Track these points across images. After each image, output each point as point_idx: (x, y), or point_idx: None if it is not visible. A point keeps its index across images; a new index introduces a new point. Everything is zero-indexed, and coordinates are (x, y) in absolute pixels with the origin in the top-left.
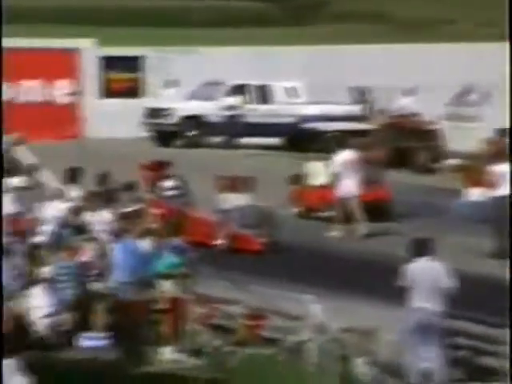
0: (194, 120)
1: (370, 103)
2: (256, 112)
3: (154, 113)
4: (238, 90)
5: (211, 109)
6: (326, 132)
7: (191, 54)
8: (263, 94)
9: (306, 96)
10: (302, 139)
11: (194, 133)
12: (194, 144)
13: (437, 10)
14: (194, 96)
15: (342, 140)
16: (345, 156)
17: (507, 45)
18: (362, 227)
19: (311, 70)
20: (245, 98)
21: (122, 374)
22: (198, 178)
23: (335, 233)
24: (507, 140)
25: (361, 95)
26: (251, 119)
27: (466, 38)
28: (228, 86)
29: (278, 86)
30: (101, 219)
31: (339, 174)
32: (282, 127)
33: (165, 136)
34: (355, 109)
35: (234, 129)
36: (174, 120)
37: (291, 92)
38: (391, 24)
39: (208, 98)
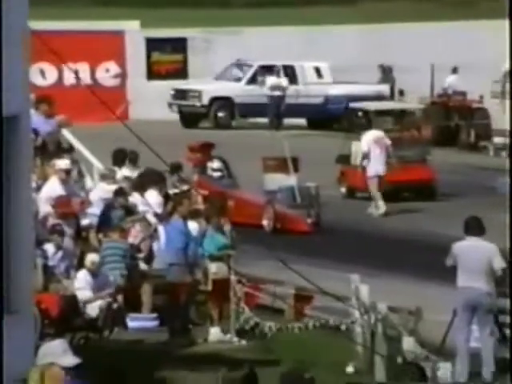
0: (222, 101)
1: (392, 82)
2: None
3: (183, 94)
4: (267, 70)
5: (240, 90)
6: (358, 110)
7: (236, 34)
8: (291, 75)
9: (332, 76)
10: (333, 119)
11: (222, 114)
12: (223, 125)
13: None
14: (221, 77)
15: (375, 119)
16: (372, 135)
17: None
18: (381, 206)
19: (360, 49)
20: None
21: (170, 354)
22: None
23: (371, 210)
24: None
25: (387, 74)
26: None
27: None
28: (256, 67)
29: (306, 67)
30: (149, 200)
31: (368, 153)
32: (311, 107)
33: (192, 117)
34: (381, 88)
35: (268, 109)
36: (203, 101)
37: (319, 72)
38: (435, 2)
39: (236, 78)
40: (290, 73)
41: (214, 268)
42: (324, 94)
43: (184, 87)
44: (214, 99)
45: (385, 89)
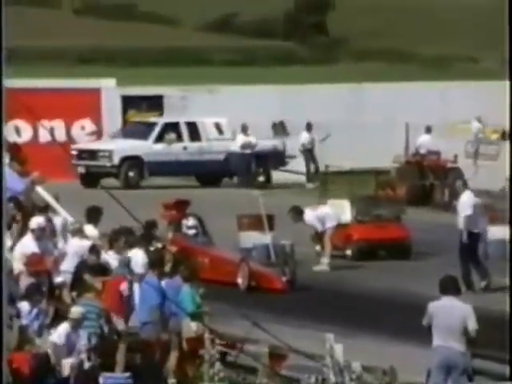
0: (132, 160)
1: (286, 137)
2: (188, 150)
3: (91, 154)
4: (171, 128)
5: (148, 148)
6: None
7: (213, 93)
8: (194, 132)
9: (231, 131)
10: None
11: (132, 173)
12: (132, 185)
13: (460, 48)
14: (122, 135)
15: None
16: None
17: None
18: (325, 262)
19: (332, 108)
20: (179, 135)
21: None
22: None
23: (318, 267)
24: None
25: (280, 130)
26: (184, 157)
27: (488, 77)
28: (162, 124)
29: (207, 123)
30: (133, 260)
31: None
32: (214, 164)
33: (93, 177)
34: (276, 143)
35: (172, 168)
36: (113, 161)
37: (219, 128)
38: (412, 62)
39: (141, 137)
40: (193, 129)
41: (194, 326)
42: (225, 150)
43: (91, 147)
44: (125, 159)
45: (279, 143)
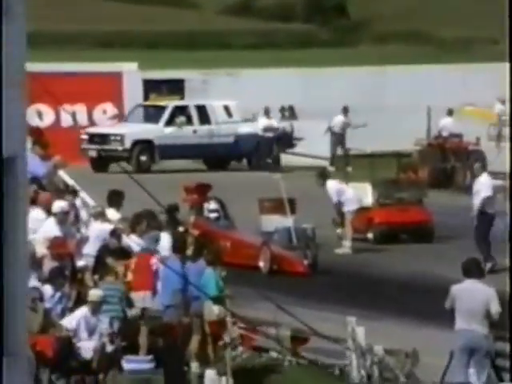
0: (144, 144)
1: (293, 120)
2: (198, 133)
3: (102, 139)
4: (181, 111)
5: (159, 132)
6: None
7: (233, 76)
8: (204, 114)
9: (240, 114)
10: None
11: (144, 157)
12: (144, 169)
13: (479, 30)
14: (132, 119)
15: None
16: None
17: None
18: (348, 245)
19: (353, 91)
20: (189, 118)
21: None
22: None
23: (340, 250)
24: None
25: (291, 113)
26: (193, 140)
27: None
28: (171, 108)
29: (216, 106)
30: (162, 243)
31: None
32: (223, 147)
33: (103, 162)
34: (284, 125)
35: (183, 151)
36: (125, 145)
37: (228, 111)
38: (431, 44)
39: (151, 120)
40: (203, 112)
41: (216, 310)
42: (234, 133)
43: (103, 131)
44: (136, 142)
45: (287, 126)
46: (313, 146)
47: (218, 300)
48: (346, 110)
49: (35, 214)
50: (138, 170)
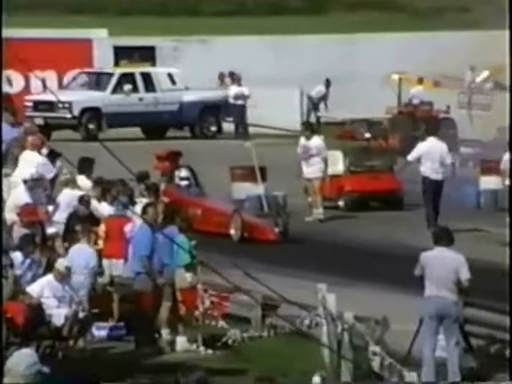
0: (92, 112)
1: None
2: (144, 101)
3: (48, 106)
4: (127, 78)
5: (107, 99)
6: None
7: (205, 43)
8: (149, 82)
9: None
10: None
11: (92, 125)
12: (92, 137)
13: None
14: (71, 86)
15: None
16: (302, 141)
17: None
18: (319, 212)
19: (325, 59)
20: (135, 86)
21: (136, 364)
22: None
23: (309, 218)
24: None
25: (233, 79)
26: (140, 108)
27: (480, 26)
28: (118, 75)
29: (160, 73)
30: (121, 201)
31: (305, 157)
32: (168, 115)
33: (56, 129)
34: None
35: (129, 119)
36: (74, 112)
37: (172, 78)
38: (403, 12)
39: (97, 88)
40: (148, 80)
41: (188, 277)
42: (178, 101)
43: (49, 98)
44: (84, 110)
45: (244, 91)
46: (283, 114)
47: (189, 267)
48: (328, 83)
49: (30, 155)
50: (87, 137)
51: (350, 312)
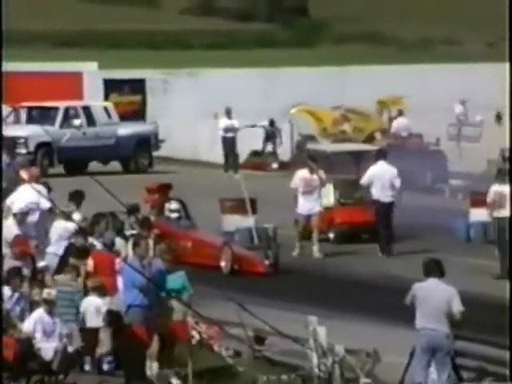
0: (45, 147)
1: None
2: (87, 135)
3: (10, 142)
4: (70, 112)
5: (57, 134)
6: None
7: (194, 76)
8: (89, 116)
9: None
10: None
11: (46, 161)
12: (44, 173)
13: (441, 31)
14: (24, 120)
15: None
16: (303, 174)
17: (507, 65)
18: (316, 250)
19: (314, 91)
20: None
21: None
22: None
23: (295, 252)
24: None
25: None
26: (84, 143)
27: (470, 59)
28: (63, 109)
29: (98, 107)
30: (107, 239)
31: (298, 191)
32: (106, 149)
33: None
34: (154, 126)
35: (76, 154)
36: (30, 148)
37: (107, 112)
38: (392, 45)
39: (43, 122)
40: (89, 114)
41: (180, 310)
42: (115, 135)
43: (10, 134)
44: (39, 146)
45: (155, 127)
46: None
47: (179, 300)
48: (271, 123)
49: (25, 188)
50: (44, 174)
51: (341, 344)
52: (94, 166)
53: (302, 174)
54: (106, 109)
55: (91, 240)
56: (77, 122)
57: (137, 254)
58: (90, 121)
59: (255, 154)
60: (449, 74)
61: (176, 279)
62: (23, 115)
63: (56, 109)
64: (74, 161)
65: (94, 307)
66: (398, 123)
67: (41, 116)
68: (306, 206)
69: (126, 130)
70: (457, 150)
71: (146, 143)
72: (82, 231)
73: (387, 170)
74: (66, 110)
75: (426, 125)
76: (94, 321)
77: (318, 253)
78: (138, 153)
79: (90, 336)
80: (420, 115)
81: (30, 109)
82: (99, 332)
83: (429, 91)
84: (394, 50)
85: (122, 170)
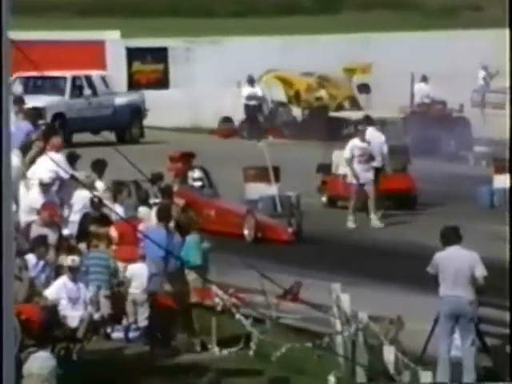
0: (60, 118)
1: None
2: (91, 104)
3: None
4: (76, 81)
5: (69, 104)
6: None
7: (216, 44)
8: (90, 85)
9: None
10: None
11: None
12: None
13: None
14: (30, 90)
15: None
16: (355, 143)
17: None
18: (375, 219)
19: (337, 59)
20: (81, 89)
21: (152, 365)
22: None
23: (351, 223)
24: None
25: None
26: (90, 113)
27: (493, 25)
28: (70, 78)
29: (96, 76)
30: (129, 205)
31: (352, 161)
32: (104, 119)
33: None
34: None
35: (85, 124)
36: (47, 119)
37: (105, 81)
38: (417, 11)
39: (52, 92)
40: (90, 84)
41: (193, 277)
42: (112, 105)
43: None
44: (55, 116)
45: (141, 96)
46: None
47: (201, 268)
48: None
49: (48, 157)
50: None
51: (365, 312)
52: (78, 136)
53: (354, 143)
54: (103, 78)
55: (113, 208)
56: (87, 91)
57: (160, 222)
58: (93, 90)
59: (226, 120)
60: (473, 41)
61: (191, 248)
62: (29, 85)
63: (63, 78)
64: (80, 131)
65: (140, 274)
66: (418, 88)
67: (47, 86)
68: (362, 175)
69: (122, 99)
70: (481, 117)
71: (139, 113)
72: (94, 201)
73: (376, 136)
74: (73, 79)
75: (450, 91)
76: (136, 288)
77: (378, 221)
78: (133, 122)
79: (120, 303)
80: (444, 82)
81: (35, 78)
82: (124, 299)
83: (452, 58)
84: (418, 16)
85: (115, 141)
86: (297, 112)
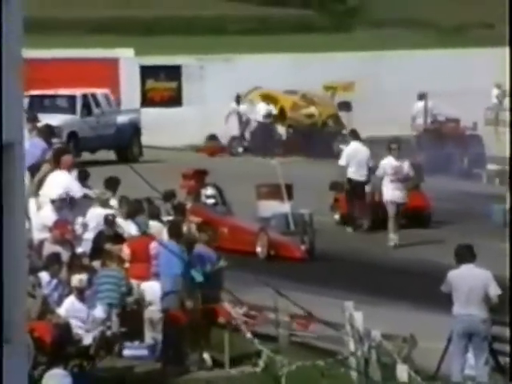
0: (73, 137)
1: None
2: (100, 123)
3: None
4: (84, 100)
5: (80, 123)
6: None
7: (229, 61)
8: (95, 104)
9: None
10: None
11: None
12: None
13: (474, 15)
14: (40, 109)
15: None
16: (390, 161)
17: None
18: (395, 239)
19: (350, 77)
20: (89, 108)
21: (163, 382)
22: None
23: (392, 242)
24: None
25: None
26: (99, 131)
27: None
28: (80, 97)
29: (100, 94)
30: (140, 222)
31: (395, 179)
32: (108, 138)
33: None
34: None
35: (94, 143)
36: (63, 138)
37: (108, 100)
38: (430, 29)
39: (61, 110)
40: (96, 102)
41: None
42: (115, 123)
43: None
44: (70, 135)
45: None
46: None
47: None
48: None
49: (60, 175)
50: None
51: (378, 330)
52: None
53: (388, 161)
54: (106, 96)
55: (125, 225)
56: (96, 110)
57: (171, 238)
58: (99, 109)
59: (211, 137)
60: (486, 58)
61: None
62: (39, 103)
63: (73, 97)
64: (88, 150)
65: (152, 292)
66: (419, 105)
67: (57, 104)
68: (395, 194)
69: (123, 117)
70: (494, 135)
71: (138, 131)
72: (109, 219)
73: (361, 150)
74: (83, 97)
75: (464, 109)
76: (151, 306)
77: (397, 241)
78: (133, 141)
79: (132, 320)
80: (457, 100)
81: (42, 97)
82: (139, 317)
83: (465, 76)
84: (431, 34)
85: (115, 159)
86: (281, 130)
